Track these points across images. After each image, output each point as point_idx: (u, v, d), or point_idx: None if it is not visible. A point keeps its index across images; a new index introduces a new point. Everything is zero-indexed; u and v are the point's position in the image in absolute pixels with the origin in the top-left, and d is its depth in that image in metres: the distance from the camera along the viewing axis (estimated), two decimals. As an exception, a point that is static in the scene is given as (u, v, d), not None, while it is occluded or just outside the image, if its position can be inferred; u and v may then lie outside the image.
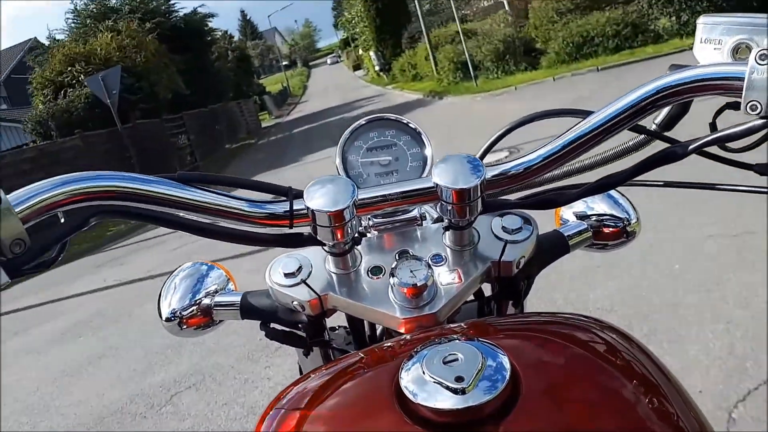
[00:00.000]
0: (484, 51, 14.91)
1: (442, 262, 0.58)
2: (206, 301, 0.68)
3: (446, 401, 0.36)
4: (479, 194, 0.53)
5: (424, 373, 0.38)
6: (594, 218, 0.71)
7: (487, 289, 0.64)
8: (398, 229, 0.63)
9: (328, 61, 76.94)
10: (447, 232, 0.59)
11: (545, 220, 0.66)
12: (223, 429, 2.47)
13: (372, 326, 0.68)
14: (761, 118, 0.48)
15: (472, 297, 0.64)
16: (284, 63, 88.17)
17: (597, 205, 0.71)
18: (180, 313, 0.68)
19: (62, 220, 0.53)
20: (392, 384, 0.39)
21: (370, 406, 0.41)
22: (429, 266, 0.54)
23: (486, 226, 0.60)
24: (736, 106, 0.49)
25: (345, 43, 76.20)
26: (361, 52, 51.62)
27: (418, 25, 22.16)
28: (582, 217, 0.71)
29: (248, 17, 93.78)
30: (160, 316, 0.69)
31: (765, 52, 0.45)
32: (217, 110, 21.48)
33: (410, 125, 0.66)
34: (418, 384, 0.37)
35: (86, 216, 0.53)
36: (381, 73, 38.10)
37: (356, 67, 53.47)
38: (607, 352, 0.45)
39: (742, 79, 0.46)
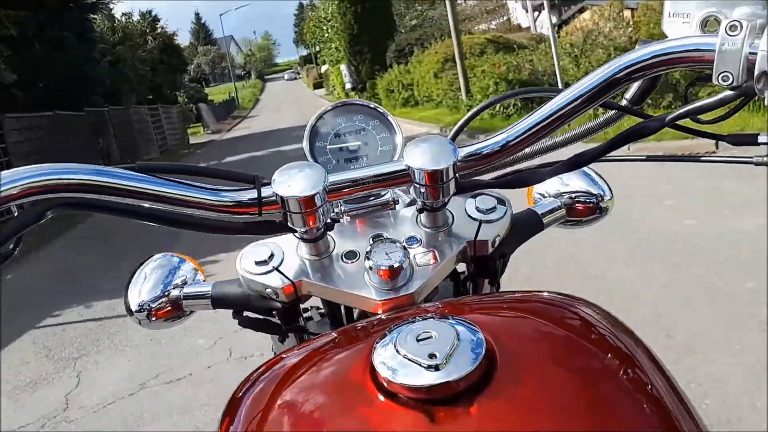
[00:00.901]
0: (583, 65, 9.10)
1: (417, 244, 0.58)
2: (175, 292, 0.67)
3: (420, 378, 0.36)
4: (452, 175, 0.54)
5: (397, 350, 0.38)
6: (567, 195, 0.71)
7: (464, 270, 0.65)
8: (371, 214, 0.64)
9: (285, 77, 73.13)
10: (421, 215, 0.59)
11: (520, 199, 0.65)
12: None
13: (349, 311, 0.67)
14: (732, 89, 0.49)
15: (448, 278, 0.64)
16: (237, 72, 78.25)
17: (570, 182, 0.72)
18: (149, 304, 0.67)
19: (16, 214, 0.52)
20: (366, 362, 0.40)
21: (344, 383, 0.42)
22: (404, 248, 0.54)
23: (460, 207, 0.60)
24: (707, 78, 0.50)
25: (306, 60, 69.72)
26: (326, 67, 43.24)
27: (408, 36, 19.95)
28: (555, 194, 0.72)
29: (203, 21, 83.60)
30: (128, 309, 0.67)
31: (735, 23, 0.46)
32: (92, 117, 14.40)
33: (378, 110, 0.67)
34: (391, 362, 0.38)
35: (42, 209, 0.52)
36: (353, 93, 28.16)
37: (317, 85, 49.20)
38: (582, 328, 0.46)
39: (713, 50, 0.47)
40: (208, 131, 27.15)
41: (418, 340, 0.39)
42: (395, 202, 0.65)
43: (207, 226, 0.57)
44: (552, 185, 0.72)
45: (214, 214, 0.57)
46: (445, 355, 0.37)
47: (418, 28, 21.89)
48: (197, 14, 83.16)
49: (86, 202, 0.53)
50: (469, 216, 0.60)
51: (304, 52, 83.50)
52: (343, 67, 28.19)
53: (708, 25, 0.52)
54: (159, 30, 25.26)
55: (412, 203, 0.64)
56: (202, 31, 76.88)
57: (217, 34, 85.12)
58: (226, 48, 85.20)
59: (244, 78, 78.50)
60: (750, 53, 0.46)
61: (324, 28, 30.52)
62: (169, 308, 0.67)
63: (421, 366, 0.37)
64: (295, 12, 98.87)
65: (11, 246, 0.53)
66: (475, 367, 0.37)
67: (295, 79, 69.64)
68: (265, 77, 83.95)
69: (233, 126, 29.46)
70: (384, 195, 0.65)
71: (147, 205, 0.55)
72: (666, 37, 0.54)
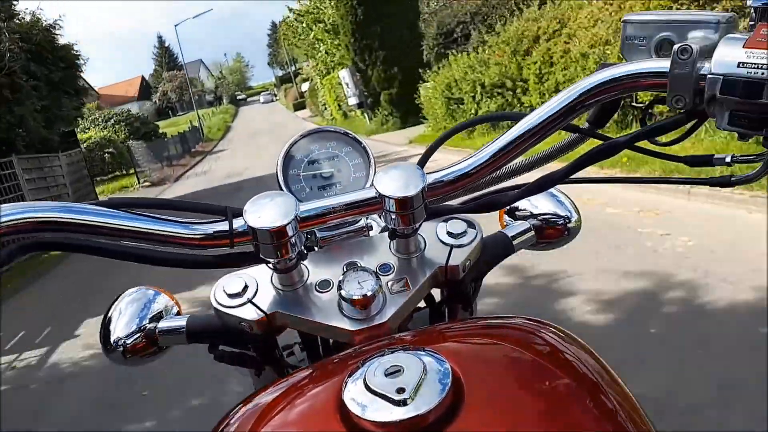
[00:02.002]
0: None
1: (390, 271, 0.60)
2: (150, 326, 0.66)
3: (388, 413, 0.38)
4: (421, 201, 0.56)
5: (366, 386, 0.40)
6: (536, 218, 0.73)
7: (438, 295, 0.68)
8: (345, 241, 0.65)
9: (261, 99, 69.70)
10: (393, 241, 0.61)
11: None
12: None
13: (325, 341, 0.69)
14: (686, 112, 0.52)
15: (423, 303, 0.68)
16: (207, 98, 68.26)
17: (539, 203, 0.74)
18: (124, 341, 0.66)
19: None
20: (337, 398, 0.41)
21: (315, 421, 0.43)
22: (377, 276, 0.57)
23: (431, 232, 0.62)
24: (663, 100, 0.53)
25: (282, 80, 60.51)
26: (307, 85, 33.41)
27: (457, 13, 12.12)
28: (525, 216, 0.74)
29: (167, 44, 73.45)
30: (103, 347, 0.67)
31: (686, 46, 0.48)
32: None
33: (349, 135, 0.70)
34: (360, 398, 0.39)
35: (10, 251, 0.52)
36: (359, 112, 20.11)
37: (298, 106, 42.72)
38: (550, 354, 0.48)
39: (666, 74, 0.50)
40: (146, 182, 17.47)
41: (386, 375, 0.40)
42: (369, 228, 0.67)
43: (181, 261, 0.59)
44: (521, 208, 0.74)
45: (186, 248, 0.58)
46: (413, 388, 0.39)
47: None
48: (160, 37, 74.19)
49: (57, 242, 0.55)
50: (441, 241, 0.61)
51: (280, 73, 74.26)
52: (343, 74, 17.58)
53: (663, 48, 0.54)
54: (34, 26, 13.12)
55: (385, 229, 0.64)
56: (165, 56, 67.35)
57: (188, 56, 76.12)
58: (197, 73, 75.80)
59: (214, 104, 68.61)
60: (700, 77, 0.48)
61: (306, 24, 20.72)
62: (144, 343, 0.66)
63: (390, 401, 0.38)
64: (268, 32, 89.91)
65: None
66: (442, 398, 0.38)
67: (272, 101, 65.95)
68: (239, 100, 79.80)
69: (189, 169, 21.82)
70: (358, 221, 0.67)
71: (121, 242, 0.56)
72: (624, 59, 0.57)
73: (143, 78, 72.78)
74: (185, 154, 26.63)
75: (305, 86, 39.69)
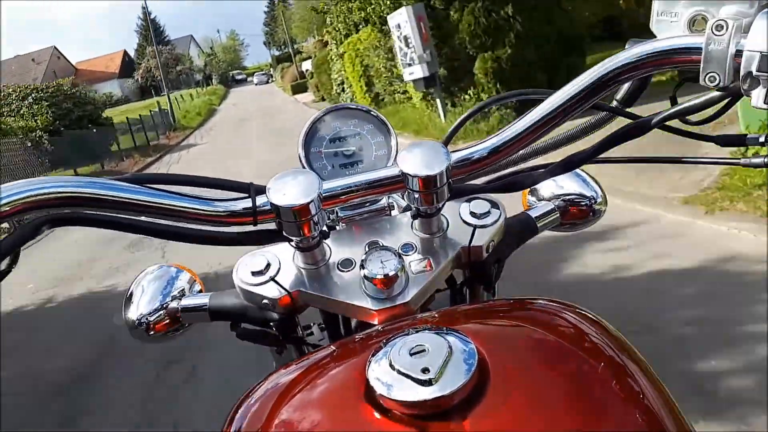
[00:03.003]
0: None
1: (413, 251, 0.60)
2: (173, 304, 0.67)
3: (413, 393, 0.38)
4: (445, 180, 0.56)
5: (391, 365, 0.40)
6: (561, 198, 0.73)
7: (460, 276, 0.69)
8: (367, 220, 0.66)
9: (255, 81, 63.46)
10: (416, 221, 0.62)
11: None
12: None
13: (346, 320, 0.70)
14: (719, 89, 0.51)
15: (444, 284, 0.69)
16: (196, 77, 59.51)
17: (564, 184, 0.74)
18: (147, 318, 0.67)
19: (11, 230, 0.53)
20: (361, 377, 0.42)
21: (339, 400, 0.44)
22: (399, 256, 0.57)
23: (454, 212, 0.63)
24: (695, 78, 0.51)
25: (279, 60, 59.20)
26: (308, 64, 26.24)
27: None
28: (549, 198, 0.74)
29: (153, 16, 64.19)
30: (126, 323, 0.69)
31: (721, 22, 0.46)
32: None
33: (372, 113, 0.69)
34: (385, 377, 0.40)
35: (37, 224, 0.53)
36: (421, 96, 9.73)
37: (298, 89, 33.85)
38: (574, 336, 0.48)
39: (699, 50, 0.48)
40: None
41: (411, 354, 0.41)
42: (391, 207, 0.68)
43: (203, 238, 0.59)
44: (546, 188, 0.74)
45: (209, 224, 0.58)
46: (438, 368, 0.39)
47: None
48: (144, 8, 64.84)
49: (82, 217, 0.56)
50: (464, 221, 0.62)
51: (278, 54, 65.75)
52: (400, 17, 7.89)
53: (696, 24, 0.52)
54: None
55: (407, 208, 0.65)
56: (150, 28, 58.52)
57: (178, 33, 67.33)
58: (187, 49, 66.79)
59: (201, 84, 60.18)
60: (736, 53, 0.46)
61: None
62: (168, 321, 0.67)
63: (415, 381, 0.39)
64: (265, 10, 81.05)
65: (8, 263, 0.55)
66: (467, 379, 0.39)
67: (267, 82, 60.54)
68: (238, 80, 74.78)
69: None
70: (380, 201, 0.67)
71: (143, 218, 0.57)
72: (654, 36, 0.55)
73: (125, 53, 65.07)
74: (133, 152, 19.46)
75: (306, 65, 34.16)
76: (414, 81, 9.25)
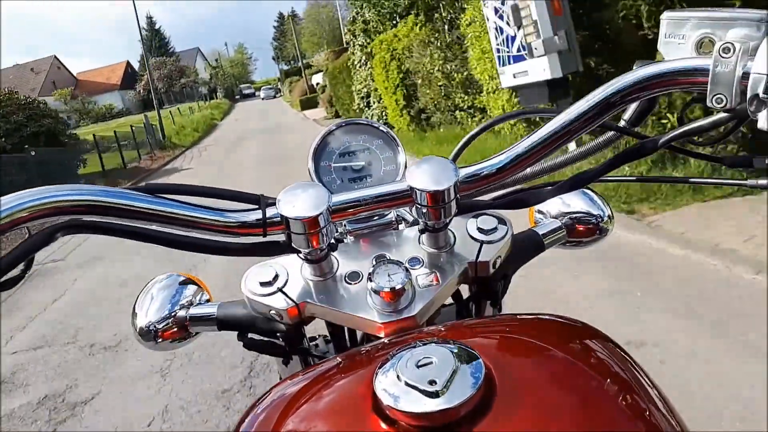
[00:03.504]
0: None
1: (419, 265, 0.62)
2: (182, 313, 0.69)
3: (420, 405, 0.39)
4: (453, 196, 0.58)
5: (398, 377, 0.41)
6: (568, 216, 0.74)
7: (465, 291, 0.70)
8: (375, 234, 0.68)
9: (261, 95, 61.89)
10: (423, 235, 0.64)
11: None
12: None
13: (352, 332, 0.72)
14: (726, 111, 0.51)
15: (450, 299, 0.71)
16: (201, 90, 56.36)
17: (571, 202, 0.75)
18: (155, 326, 0.69)
19: (27, 236, 0.55)
20: (368, 389, 0.43)
21: (346, 410, 0.44)
22: (406, 269, 0.59)
23: (461, 228, 0.64)
24: (702, 99, 0.53)
25: (287, 74, 56.11)
26: (319, 77, 24.61)
27: None
28: (556, 215, 0.75)
29: (157, 26, 61.12)
30: (135, 330, 0.70)
31: (728, 45, 0.48)
32: None
33: (381, 129, 0.71)
34: (392, 388, 0.41)
35: (51, 231, 0.55)
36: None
37: (307, 104, 30.11)
38: (581, 352, 0.49)
39: (706, 72, 0.49)
40: None
41: (418, 366, 0.42)
42: (398, 221, 0.70)
43: (214, 248, 0.61)
44: (553, 206, 0.76)
45: (219, 235, 0.60)
46: (445, 380, 0.40)
47: None
48: (149, 18, 61.67)
49: (95, 225, 0.57)
50: (471, 236, 0.63)
51: (286, 68, 63.02)
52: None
53: (703, 46, 0.53)
54: None
55: (415, 223, 0.68)
56: (155, 39, 55.50)
57: (185, 45, 64.77)
58: (193, 63, 63.67)
59: (205, 98, 57.72)
60: (743, 75, 0.47)
61: None
62: (175, 330, 0.68)
63: (422, 392, 0.40)
64: (274, 24, 78.11)
65: (22, 268, 0.56)
66: (474, 392, 0.39)
67: (275, 97, 59.09)
68: (246, 95, 72.41)
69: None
70: (387, 215, 0.69)
71: (155, 227, 0.59)
72: (663, 58, 0.57)
73: (128, 64, 62.23)
74: (102, 178, 15.44)
75: (317, 78, 32.89)
76: (520, 88, 5.16)
